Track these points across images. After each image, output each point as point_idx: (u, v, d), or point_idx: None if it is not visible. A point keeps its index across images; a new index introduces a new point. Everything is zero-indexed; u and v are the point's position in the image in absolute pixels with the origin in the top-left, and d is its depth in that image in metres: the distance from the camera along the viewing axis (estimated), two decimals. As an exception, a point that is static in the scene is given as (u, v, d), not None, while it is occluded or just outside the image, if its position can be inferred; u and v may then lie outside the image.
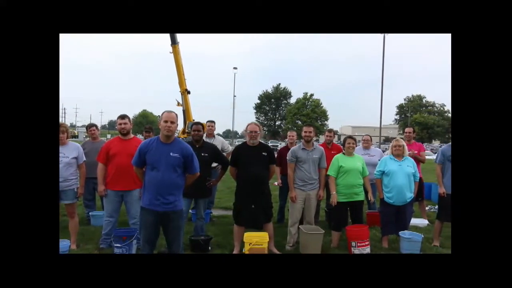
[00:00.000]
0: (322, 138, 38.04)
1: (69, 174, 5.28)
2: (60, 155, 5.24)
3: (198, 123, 5.74)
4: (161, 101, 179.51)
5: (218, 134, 8.17)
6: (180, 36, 26.15)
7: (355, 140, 5.97)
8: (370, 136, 7.65)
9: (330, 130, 7.35)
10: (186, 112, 27.36)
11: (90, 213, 6.95)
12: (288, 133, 7.59)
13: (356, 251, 5.36)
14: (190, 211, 6.05)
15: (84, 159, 5.51)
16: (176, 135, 4.12)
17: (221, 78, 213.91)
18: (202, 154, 5.33)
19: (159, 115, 5.09)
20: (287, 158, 5.83)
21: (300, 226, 5.65)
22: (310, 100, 70.82)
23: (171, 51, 26.42)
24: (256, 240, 5.04)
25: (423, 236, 5.66)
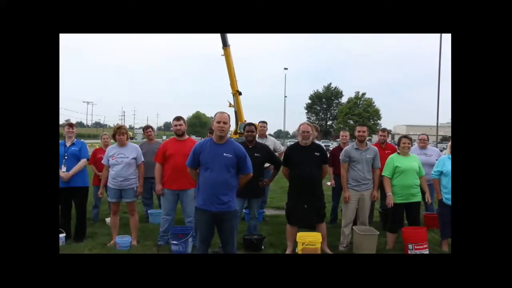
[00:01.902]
0: (374, 138, 37.16)
1: (129, 174, 5.55)
2: (120, 155, 5.52)
3: (251, 124, 5.82)
4: (213, 102, 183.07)
5: (270, 134, 8.22)
6: (230, 38, 26.56)
7: (410, 139, 5.79)
8: (427, 135, 7.39)
9: (384, 130, 7.17)
10: (237, 113, 27.76)
11: (148, 211, 7.25)
12: (341, 133, 7.50)
13: (413, 253, 5.19)
14: (243, 210, 6.14)
15: (143, 159, 5.75)
16: (228, 135, 4.19)
17: (272, 79, 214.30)
18: (255, 154, 5.39)
19: (212, 116, 5.20)
20: (340, 158, 5.77)
21: (353, 227, 5.58)
22: (362, 99, 69.33)
23: (223, 53, 26.88)
24: (309, 240, 5.03)
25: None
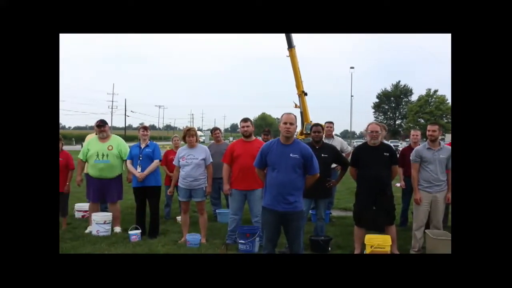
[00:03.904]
0: (448, 137, 35.26)
1: (198, 174, 5.72)
2: (190, 156, 5.73)
3: (317, 125, 5.78)
4: (278, 103, 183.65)
5: (336, 135, 8.09)
6: (295, 39, 26.56)
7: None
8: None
9: (460, 128, 6.79)
10: (303, 114, 27.68)
11: (216, 211, 7.45)
12: (412, 132, 7.22)
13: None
14: (310, 211, 6.12)
15: (211, 160, 5.91)
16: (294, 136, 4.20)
17: (338, 78, 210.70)
18: (322, 155, 5.34)
19: (278, 118, 5.25)
20: (411, 158, 5.55)
21: (426, 230, 5.34)
22: (434, 96, 66.14)
23: (288, 54, 26.95)
24: (378, 243, 4.90)
25: None
